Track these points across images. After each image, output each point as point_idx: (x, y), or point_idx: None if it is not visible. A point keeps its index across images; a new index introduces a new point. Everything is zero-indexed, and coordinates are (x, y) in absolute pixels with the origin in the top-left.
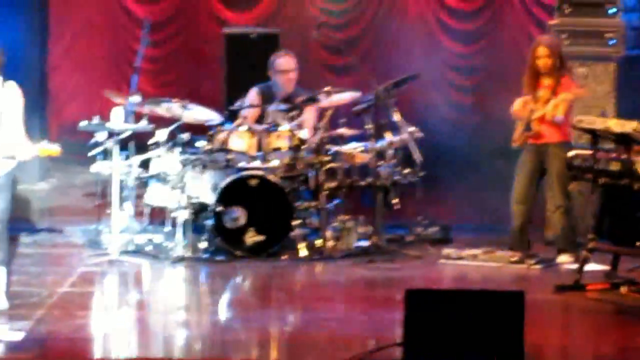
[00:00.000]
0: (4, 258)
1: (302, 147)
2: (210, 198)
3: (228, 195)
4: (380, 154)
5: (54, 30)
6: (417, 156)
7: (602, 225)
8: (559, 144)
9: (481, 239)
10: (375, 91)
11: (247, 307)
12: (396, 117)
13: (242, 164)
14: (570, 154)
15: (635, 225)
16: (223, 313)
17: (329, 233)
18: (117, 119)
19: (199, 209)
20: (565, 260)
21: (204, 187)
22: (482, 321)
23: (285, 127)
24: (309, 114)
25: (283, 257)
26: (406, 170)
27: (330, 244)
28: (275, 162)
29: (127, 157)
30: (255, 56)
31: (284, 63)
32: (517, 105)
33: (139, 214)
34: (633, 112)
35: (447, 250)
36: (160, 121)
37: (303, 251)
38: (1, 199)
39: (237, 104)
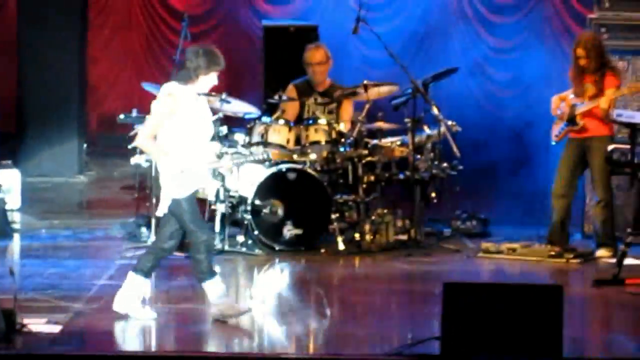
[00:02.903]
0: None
1: (341, 140)
2: (248, 191)
3: (266, 189)
4: (418, 148)
5: (93, 23)
6: (455, 150)
7: None
8: (603, 138)
9: (520, 233)
10: (414, 84)
11: (285, 301)
12: (434, 110)
13: (280, 158)
14: (609, 148)
15: None
16: (261, 306)
17: (367, 227)
18: None
19: (237, 203)
20: (604, 255)
21: (242, 181)
22: (521, 315)
23: (323, 120)
24: (348, 108)
25: (321, 251)
26: (444, 164)
27: (368, 237)
28: (313, 156)
29: None
30: (293, 49)
31: (310, 56)
32: (556, 101)
33: None
34: None
35: (485, 244)
36: None
37: (341, 245)
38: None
39: (275, 97)
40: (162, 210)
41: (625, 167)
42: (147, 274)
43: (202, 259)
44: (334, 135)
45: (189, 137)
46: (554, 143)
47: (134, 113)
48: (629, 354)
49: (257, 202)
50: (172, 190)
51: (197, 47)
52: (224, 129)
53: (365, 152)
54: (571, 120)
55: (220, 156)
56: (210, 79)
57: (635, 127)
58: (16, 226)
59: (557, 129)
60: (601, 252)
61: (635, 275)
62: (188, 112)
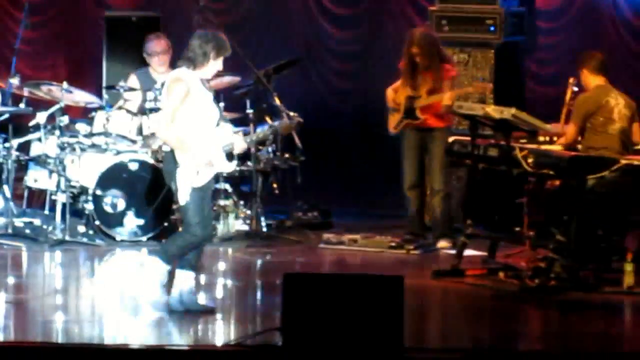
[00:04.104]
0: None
1: None
2: (89, 181)
3: (108, 179)
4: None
5: None
6: (297, 141)
7: (480, 211)
8: (444, 129)
9: (361, 224)
10: (256, 75)
11: (126, 291)
12: (276, 101)
13: (122, 147)
14: (450, 139)
15: (513, 211)
16: (101, 296)
17: None
18: None
19: (79, 193)
20: (444, 246)
21: (83, 171)
22: (361, 306)
23: None
24: None
25: (163, 241)
26: (286, 155)
27: None
28: (155, 146)
29: (6, 140)
30: (135, 39)
31: (153, 45)
32: (391, 93)
33: (17, 196)
34: (511, 98)
35: (326, 235)
36: (39, 104)
37: None
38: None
39: (117, 87)
40: (183, 199)
41: (465, 159)
42: (193, 267)
43: (179, 244)
44: None
45: (202, 122)
46: (392, 134)
47: None
48: (467, 344)
49: (99, 192)
50: (192, 179)
51: (205, 32)
52: (65, 119)
53: None
54: (410, 112)
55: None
56: (218, 64)
57: (475, 119)
58: None
59: (394, 120)
60: (441, 243)
61: (474, 266)
62: (198, 96)
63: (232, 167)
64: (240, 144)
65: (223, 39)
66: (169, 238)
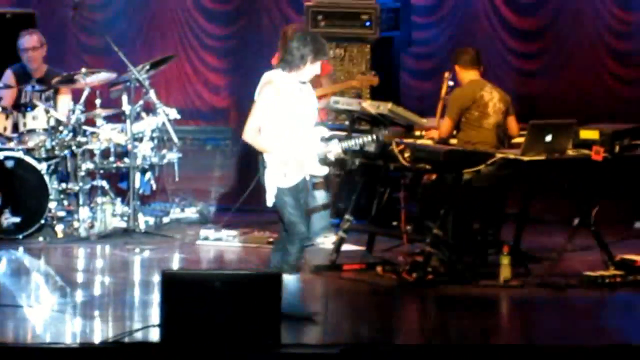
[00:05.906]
0: None
1: (59, 128)
2: None
3: None
4: (137, 135)
5: None
6: (174, 138)
7: (358, 206)
8: (318, 125)
9: (240, 220)
10: (132, 72)
11: (1, 290)
12: (153, 98)
13: None
14: (327, 134)
15: (391, 205)
16: None
17: (86, 215)
18: None
19: None
20: (323, 241)
21: None
22: (240, 302)
23: (41, 107)
24: (65, 95)
25: (40, 239)
26: (163, 151)
27: (87, 225)
28: (31, 143)
29: None
30: (10, 36)
31: (25, 41)
32: None
33: None
34: (388, 92)
35: (204, 232)
36: None
37: (60, 233)
38: None
39: None
40: (270, 201)
41: (343, 154)
42: (298, 270)
43: (293, 251)
44: (52, 122)
45: (291, 124)
46: None
47: None
48: (345, 340)
49: None
50: (277, 180)
51: (305, 34)
52: None
53: (84, 139)
54: None
55: (328, 140)
56: (315, 68)
57: (352, 114)
58: None
59: None
60: (321, 239)
61: (352, 261)
62: (289, 99)
63: (324, 170)
64: (335, 149)
65: (322, 43)
66: (284, 253)
